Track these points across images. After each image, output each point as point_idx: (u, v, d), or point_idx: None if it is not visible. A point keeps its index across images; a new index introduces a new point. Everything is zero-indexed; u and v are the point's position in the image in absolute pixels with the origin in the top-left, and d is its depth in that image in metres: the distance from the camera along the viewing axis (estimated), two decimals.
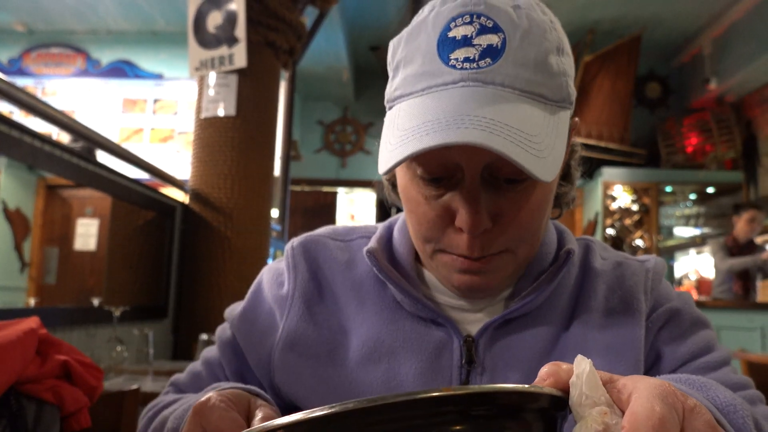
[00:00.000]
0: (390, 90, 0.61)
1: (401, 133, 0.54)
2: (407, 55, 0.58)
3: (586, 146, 5.98)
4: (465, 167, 0.55)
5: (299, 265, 0.72)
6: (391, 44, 0.62)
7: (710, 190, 6.34)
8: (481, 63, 0.54)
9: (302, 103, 6.96)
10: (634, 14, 5.76)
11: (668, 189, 6.28)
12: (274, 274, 0.75)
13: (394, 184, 0.70)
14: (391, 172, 0.55)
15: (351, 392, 0.64)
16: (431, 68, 0.55)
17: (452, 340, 0.65)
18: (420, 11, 0.60)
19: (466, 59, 0.54)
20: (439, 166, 0.56)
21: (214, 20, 2.83)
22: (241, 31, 2.74)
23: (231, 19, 2.78)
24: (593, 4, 5.58)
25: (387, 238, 0.72)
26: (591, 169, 6.19)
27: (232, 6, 2.77)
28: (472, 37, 0.54)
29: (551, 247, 0.69)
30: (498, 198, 0.57)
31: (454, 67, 0.54)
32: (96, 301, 2.22)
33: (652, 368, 0.66)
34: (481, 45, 0.54)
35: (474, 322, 0.67)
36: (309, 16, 3.67)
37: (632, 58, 6.15)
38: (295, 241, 0.75)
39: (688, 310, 0.68)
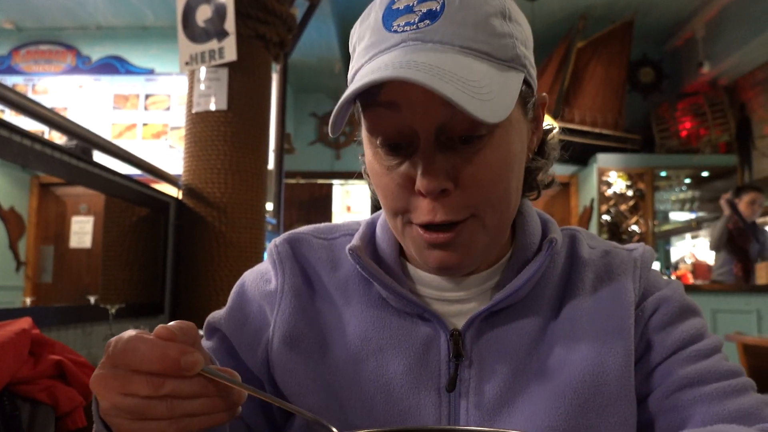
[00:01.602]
0: (350, 72, 0.63)
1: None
2: (360, 35, 0.61)
3: (581, 132, 5.98)
4: (419, 130, 0.56)
5: (286, 261, 0.71)
6: (351, 32, 0.65)
7: (705, 174, 6.35)
8: (420, 25, 0.56)
9: (295, 96, 6.93)
10: None
11: (663, 174, 6.28)
12: (258, 275, 0.74)
13: None
14: (336, 128, 0.57)
15: (341, 390, 0.64)
16: (377, 38, 0.58)
17: (439, 334, 0.65)
18: None
19: (407, 24, 0.57)
20: (394, 132, 0.58)
21: (203, 14, 2.81)
22: (230, 24, 2.72)
23: (220, 12, 2.76)
24: None
25: (370, 234, 0.72)
26: (586, 155, 6.19)
27: None
28: (413, 5, 0.57)
29: (535, 237, 0.69)
30: (455, 158, 0.57)
31: (396, 32, 0.57)
32: (92, 299, 2.22)
33: (642, 358, 0.65)
34: (421, 10, 0.56)
35: (460, 314, 0.66)
36: (300, 7, 3.64)
37: (625, 44, 6.13)
38: (278, 239, 0.74)
39: (677, 298, 0.67)
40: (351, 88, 0.54)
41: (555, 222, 0.73)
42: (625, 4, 5.85)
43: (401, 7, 0.57)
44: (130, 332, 0.47)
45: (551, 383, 0.62)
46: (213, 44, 2.77)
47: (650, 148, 6.34)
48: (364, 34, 0.60)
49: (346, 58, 6.79)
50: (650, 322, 0.66)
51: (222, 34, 2.75)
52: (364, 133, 0.64)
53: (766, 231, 4.62)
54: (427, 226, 0.59)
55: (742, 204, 4.51)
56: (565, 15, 6.00)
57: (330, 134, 0.57)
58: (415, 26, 0.56)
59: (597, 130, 6.07)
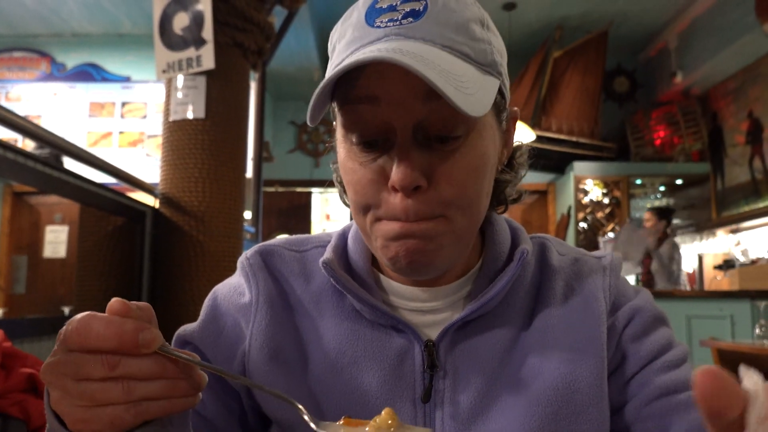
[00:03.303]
0: (329, 70, 0.62)
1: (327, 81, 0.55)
2: (341, 33, 0.61)
3: (558, 141, 6.04)
4: (396, 125, 0.56)
5: (259, 273, 0.70)
6: (331, 34, 0.65)
7: (679, 181, 6.46)
8: (404, 22, 0.57)
9: (274, 104, 6.91)
10: (601, 10, 5.84)
11: (638, 181, 6.38)
12: (230, 289, 0.72)
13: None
14: (314, 118, 0.56)
15: (318, 402, 0.64)
16: (359, 33, 0.58)
17: (413, 345, 0.65)
18: None
19: (390, 20, 0.57)
20: (371, 128, 0.57)
21: (180, 22, 2.79)
22: (208, 32, 2.71)
23: (198, 20, 2.74)
24: (560, 1, 5.64)
25: (342, 246, 0.71)
26: (562, 163, 6.26)
27: (199, 7, 2.74)
28: (396, 4, 0.57)
29: (505, 246, 0.69)
30: (431, 156, 0.57)
31: (378, 27, 0.57)
32: (67, 310, 2.18)
33: (618, 368, 0.66)
34: (404, 9, 0.57)
35: (433, 324, 0.66)
36: (278, 16, 3.64)
37: (600, 54, 6.23)
38: (249, 252, 0.73)
39: (649, 308, 0.69)
40: (332, 72, 0.54)
41: (524, 230, 0.73)
42: (600, 15, 5.95)
43: (384, 6, 0.58)
44: (82, 313, 0.45)
45: (525, 392, 0.63)
46: (190, 52, 2.75)
47: (625, 156, 6.43)
48: (345, 31, 0.60)
49: (325, 66, 6.89)
50: (624, 333, 0.67)
51: (199, 42, 2.73)
52: (339, 131, 0.63)
53: (663, 253, 4.91)
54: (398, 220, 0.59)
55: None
56: (541, 25, 6.08)
57: (309, 123, 0.57)
58: (398, 23, 0.57)
59: (574, 139, 6.14)
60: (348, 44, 0.59)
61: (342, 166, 0.62)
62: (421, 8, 0.57)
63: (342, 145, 0.62)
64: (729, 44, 5.20)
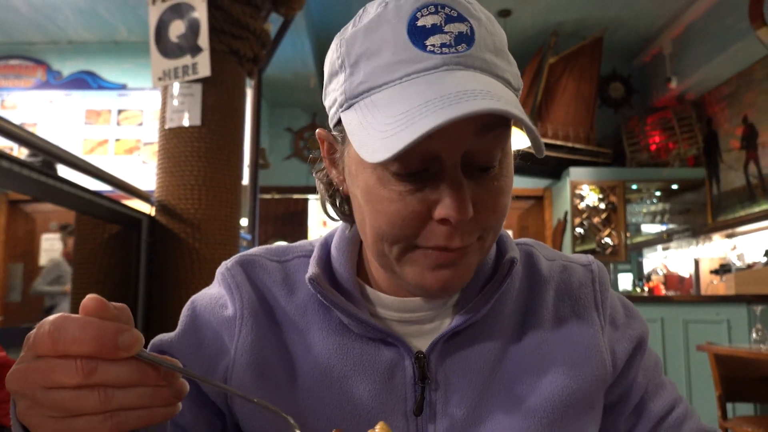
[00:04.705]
0: (351, 86, 0.56)
1: (399, 116, 0.50)
2: (370, 47, 0.55)
3: (554, 146, 6.06)
4: (445, 157, 0.53)
5: (242, 285, 0.68)
6: (342, 42, 0.58)
7: (674, 186, 6.47)
8: (459, 48, 0.53)
9: (270, 111, 6.91)
10: (596, 16, 5.86)
11: (634, 187, 6.39)
12: (210, 300, 0.70)
13: (333, 198, 0.68)
14: (398, 156, 0.48)
15: (307, 419, 0.63)
16: (407, 56, 0.53)
17: (403, 358, 0.64)
18: (367, 9, 0.58)
19: (443, 45, 0.53)
20: (419, 159, 0.53)
21: (176, 29, 2.79)
22: (204, 40, 2.71)
23: (193, 28, 2.75)
24: (555, 7, 5.67)
25: (325, 258, 0.69)
26: (559, 169, 6.27)
27: (195, 15, 2.74)
28: (441, 25, 0.54)
29: (491, 253, 0.69)
30: (474, 186, 0.56)
31: (432, 52, 0.53)
32: None
33: (626, 395, 0.70)
34: (452, 32, 0.54)
35: (421, 335, 0.66)
36: (274, 23, 3.65)
37: (595, 59, 6.25)
38: (229, 262, 0.71)
39: (648, 334, 0.73)
40: (430, 122, 0.47)
41: (509, 235, 0.73)
42: (595, 21, 5.97)
43: (428, 25, 0.53)
44: (54, 315, 0.41)
45: (519, 404, 0.62)
46: (186, 60, 2.75)
47: (621, 161, 6.45)
48: (377, 47, 0.54)
49: (322, 73, 6.82)
50: (634, 362, 0.70)
51: (195, 50, 2.73)
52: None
53: None
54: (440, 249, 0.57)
55: None
56: (536, 31, 6.10)
57: (380, 159, 0.50)
58: (453, 50, 0.53)
59: (569, 144, 6.15)
60: (392, 66, 0.54)
61: (368, 194, 0.57)
62: (469, 31, 0.54)
63: (368, 170, 0.57)
64: (723, 50, 5.22)
